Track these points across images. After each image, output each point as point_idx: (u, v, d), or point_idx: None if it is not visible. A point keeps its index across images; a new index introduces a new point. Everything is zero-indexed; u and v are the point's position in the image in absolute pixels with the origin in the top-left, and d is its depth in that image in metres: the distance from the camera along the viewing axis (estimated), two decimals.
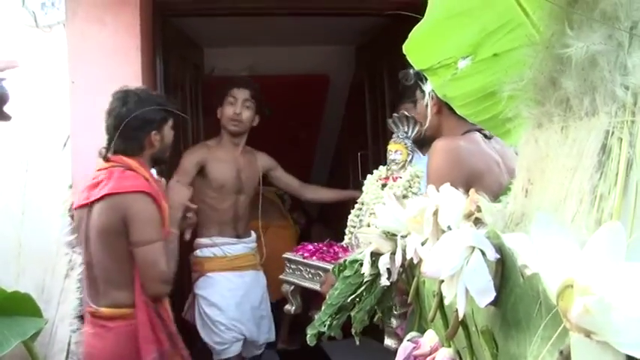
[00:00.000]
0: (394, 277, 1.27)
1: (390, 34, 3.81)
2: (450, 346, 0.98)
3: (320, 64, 4.79)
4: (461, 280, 0.75)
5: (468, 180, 1.62)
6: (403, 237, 1.18)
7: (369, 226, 2.09)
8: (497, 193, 1.64)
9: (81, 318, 1.68)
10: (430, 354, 1.04)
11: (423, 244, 0.97)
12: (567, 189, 0.76)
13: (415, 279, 1.22)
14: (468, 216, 0.94)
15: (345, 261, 1.42)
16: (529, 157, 0.89)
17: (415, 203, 1.02)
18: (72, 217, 1.82)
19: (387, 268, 1.26)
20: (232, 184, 3.16)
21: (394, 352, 1.20)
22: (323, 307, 1.41)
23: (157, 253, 2.00)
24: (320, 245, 2.29)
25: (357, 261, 1.38)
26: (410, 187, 1.99)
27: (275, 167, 3.51)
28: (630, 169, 0.67)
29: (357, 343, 1.44)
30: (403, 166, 2.01)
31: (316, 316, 1.41)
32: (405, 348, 1.13)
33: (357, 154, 4.41)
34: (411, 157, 2.02)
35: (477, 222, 0.95)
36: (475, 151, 1.71)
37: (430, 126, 1.91)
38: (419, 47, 0.85)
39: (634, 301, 0.44)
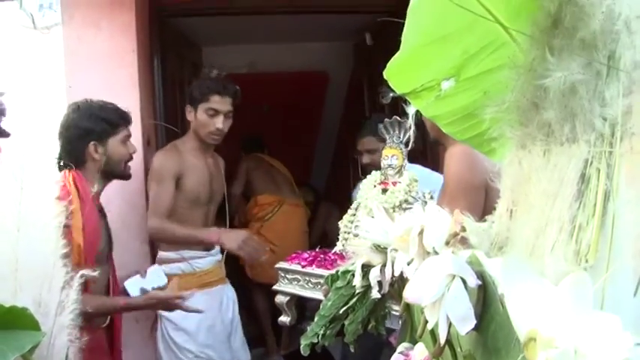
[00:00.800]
0: (385, 289, 1.28)
1: (388, 30, 3.80)
2: None
3: (319, 61, 4.79)
4: (442, 307, 0.76)
5: (487, 183, 1.64)
6: (394, 250, 1.19)
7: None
8: None
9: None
10: None
11: (409, 263, 0.98)
12: (548, 216, 0.76)
13: None
14: (453, 236, 0.95)
15: (337, 272, 1.43)
16: (513, 178, 0.89)
17: (402, 222, 1.02)
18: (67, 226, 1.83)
19: (378, 281, 1.27)
20: (205, 194, 2.83)
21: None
22: (316, 318, 1.42)
23: None
24: (316, 253, 2.26)
25: (349, 272, 1.39)
26: (410, 191, 1.99)
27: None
28: (608, 200, 0.68)
29: (353, 351, 1.45)
30: (399, 171, 2.00)
31: (309, 327, 1.43)
32: None
33: (355, 151, 4.41)
34: (405, 161, 2.02)
35: (463, 241, 0.96)
36: None
37: (436, 129, 1.87)
38: (399, 73, 0.85)
39: (600, 352, 0.45)
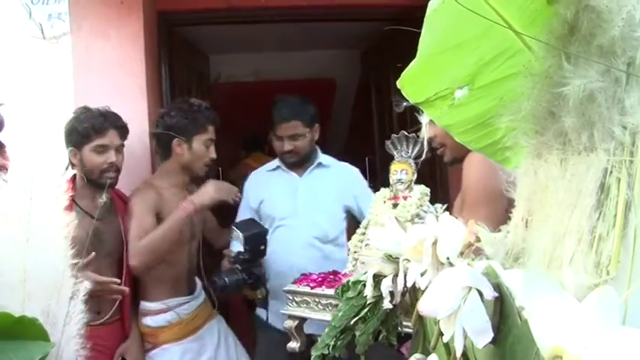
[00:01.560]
0: (397, 299, 1.26)
1: (396, 37, 3.80)
2: None
3: (326, 68, 4.79)
4: (458, 320, 0.74)
5: (504, 188, 1.63)
6: (406, 260, 1.17)
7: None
8: None
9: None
10: None
11: (422, 274, 0.97)
12: (566, 226, 0.74)
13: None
14: (468, 247, 0.93)
15: (348, 282, 1.41)
16: (529, 187, 0.88)
17: (415, 232, 1.01)
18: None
19: (390, 291, 1.25)
20: (186, 232, 2.56)
21: None
22: (326, 329, 1.41)
23: None
24: (325, 275, 2.17)
25: (360, 282, 1.37)
26: (421, 205, 1.98)
27: None
28: (629, 211, 0.66)
29: None
30: (409, 186, 1.99)
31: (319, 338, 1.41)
32: None
33: (364, 158, 4.40)
34: (415, 176, 2.00)
35: (477, 252, 0.94)
36: None
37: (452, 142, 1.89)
38: (413, 82, 0.84)
39: None
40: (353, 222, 2.72)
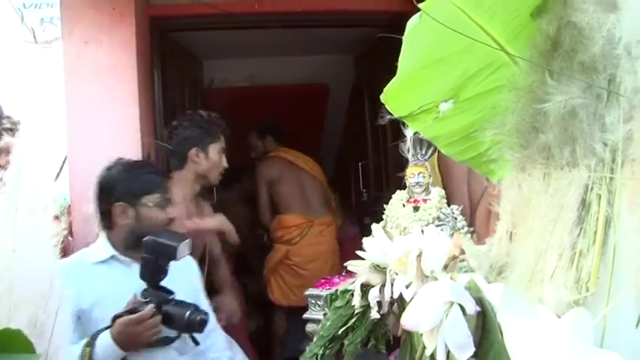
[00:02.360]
0: (384, 309, 1.26)
1: (388, 42, 3.80)
2: None
3: (319, 73, 4.79)
4: (440, 334, 0.75)
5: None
6: (393, 270, 1.17)
7: None
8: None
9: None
10: None
11: (407, 286, 0.96)
12: (548, 241, 0.75)
13: None
14: (452, 259, 0.93)
15: (336, 291, 1.41)
16: (513, 201, 0.88)
17: (400, 244, 1.01)
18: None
19: (378, 301, 1.25)
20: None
21: None
22: (315, 339, 1.40)
23: None
24: (345, 276, 2.17)
25: (348, 291, 1.37)
26: (440, 207, 1.96)
27: None
28: (609, 227, 0.66)
29: None
30: (426, 189, 1.98)
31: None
32: None
33: (357, 163, 4.40)
34: (431, 178, 2.00)
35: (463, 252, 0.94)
36: None
37: None
38: (397, 96, 0.84)
39: None
40: None
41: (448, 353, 0.78)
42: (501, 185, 0.92)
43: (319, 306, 2.12)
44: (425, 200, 1.97)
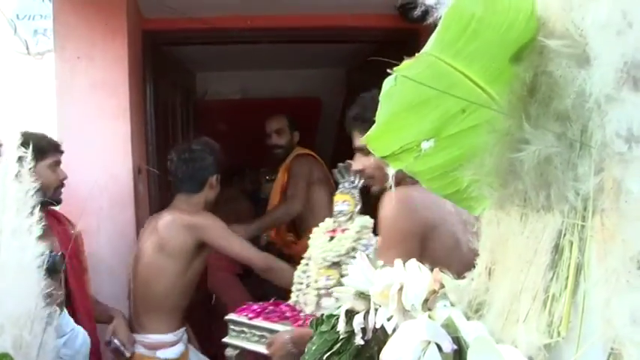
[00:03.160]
0: (369, 335, 1.27)
1: (380, 56, 3.84)
2: None
3: (312, 86, 4.82)
4: None
5: (423, 232, 1.59)
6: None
7: (316, 282, 2.01)
8: (451, 246, 1.60)
9: None
10: None
11: (389, 319, 0.98)
12: (523, 282, 0.77)
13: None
14: (432, 294, 0.95)
15: (322, 315, 1.43)
16: (491, 238, 0.90)
17: (382, 277, 1.02)
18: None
19: (362, 327, 1.27)
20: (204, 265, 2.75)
21: None
22: None
23: None
24: (265, 305, 2.15)
25: (333, 316, 1.38)
26: (359, 239, 1.94)
27: None
28: (580, 274, 0.68)
29: None
30: (351, 218, 1.95)
31: None
32: None
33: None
34: (358, 207, 1.96)
35: (443, 297, 0.96)
36: (429, 201, 1.63)
37: (382, 175, 1.79)
38: (378, 139, 0.86)
39: None
40: None
41: None
42: (481, 222, 0.94)
43: (236, 332, 2.11)
44: (344, 230, 1.96)
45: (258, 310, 2.12)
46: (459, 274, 0.95)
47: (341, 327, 1.32)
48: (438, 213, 1.64)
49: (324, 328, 1.41)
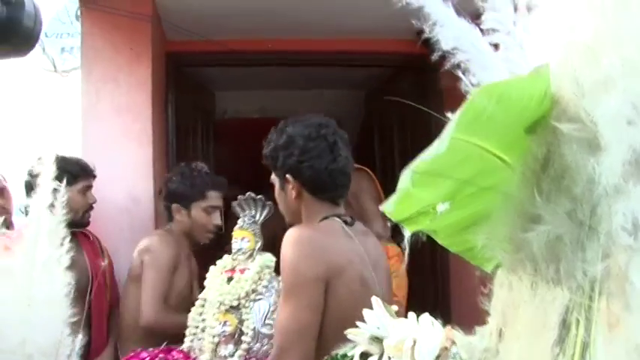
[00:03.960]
0: None
1: (399, 80, 3.89)
2: None
3: (330, 107, 4.85)
4: None
5: (327, 274, 1.54)
6: None
7: (212, 327, 1.83)
8: (358, 288, 1.57)
9: None
10: None
11: None
12: (531, 353, 0.79)
13: None
14: (444, 350, 0.98)
15: (337, 354, 1.46)
16: (503, 300, 0.93)
17: (397, 329, 1.06)
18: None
19: None
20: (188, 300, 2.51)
21: None
22: None
23: None
24: (156, 352, 1.98)
25: (347, 357, 1.41)
26: (259, 279, 1.82)
27: None
28: (586, 352, 0.71)
29: None
30: (251, 255, 1.83)
31: None
32: None
33: None
34: (259, 244, 1.85)
35: (454, 355, 0.99)
36: (333, 242, 1.60)
37: (290, 212, 1.75)
38: (396, 205, 0.89)
39: None
40: None
41: None
42: (493, 282, 0.97)
43: None
44: (243, 270, 1.82)
45: (148, 358, 1.97)
46: None
47: None
48: (343, 255, 1.59)
49: None
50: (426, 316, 1.03)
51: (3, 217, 1.67)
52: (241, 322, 1.81)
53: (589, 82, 0.71)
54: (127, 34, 2.78)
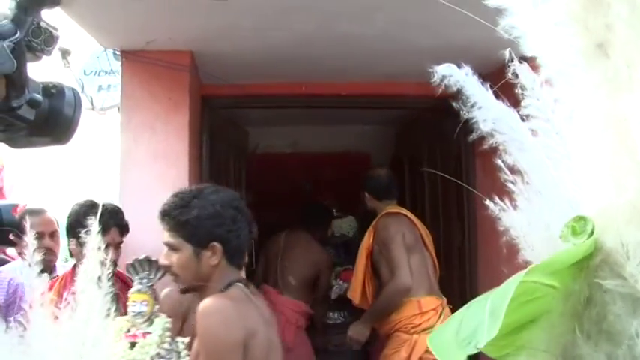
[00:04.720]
0: None
1: (428, 117, 3.91)
2: None
3: (361, 143, 4.91)
4: None
5: (245, 338, 1.58)
6: None
7: None
8: (267, 347, 1.62)
9: None
10: None
11: None
12: None
13: None
14: None
15: None
16: None
17: None
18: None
19: None
20: None
21: None
22: None
23: None
24: None
25: None
26: (162, 342, 1.78)
27: None
28: None
29: None
30: (149, 319, 1.79)
31: None
32: None
33: None
34: (157, 307, 1.82)
35: None
36: (244, 308, 1.65)
37: (197, 277, 1.72)
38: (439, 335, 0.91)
39: None
40: None
41: None
42: None
43: None
44: (145, 334, 1.78)
45: None
46: None
47: None
48: (254, 318, 1.65)
49: None
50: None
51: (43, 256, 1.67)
52: None
53: (633, 242, 0.73)
54: (165, 83, 2.85)
